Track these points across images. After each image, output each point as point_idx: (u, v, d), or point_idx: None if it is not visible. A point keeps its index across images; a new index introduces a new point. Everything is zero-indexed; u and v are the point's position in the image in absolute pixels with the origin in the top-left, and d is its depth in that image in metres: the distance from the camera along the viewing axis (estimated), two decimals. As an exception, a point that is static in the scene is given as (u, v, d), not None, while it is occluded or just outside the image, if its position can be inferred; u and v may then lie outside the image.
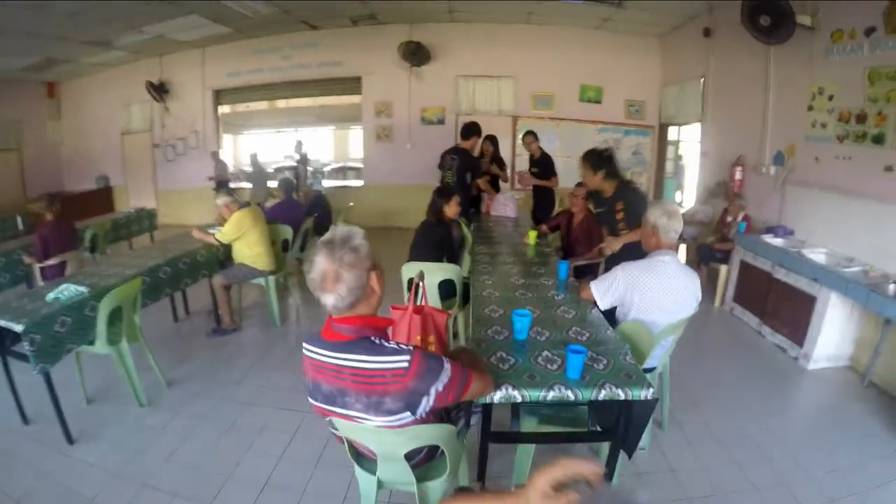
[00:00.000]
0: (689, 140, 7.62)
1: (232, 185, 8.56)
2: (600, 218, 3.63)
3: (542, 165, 5.61)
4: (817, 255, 4.08)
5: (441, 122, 8.27)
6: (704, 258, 5.46)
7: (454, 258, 3.71)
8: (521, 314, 2.22)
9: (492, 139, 6.03)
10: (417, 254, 3.54)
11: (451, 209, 3.63)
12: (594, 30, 7.69)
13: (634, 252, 2.90)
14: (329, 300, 1.40)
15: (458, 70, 8.03)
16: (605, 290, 2.61)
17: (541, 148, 5.67)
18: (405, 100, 8.30)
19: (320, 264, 1.38)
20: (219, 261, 4.50)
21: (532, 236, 4.10)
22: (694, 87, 6.73)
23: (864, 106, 3.85)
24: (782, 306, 4.19)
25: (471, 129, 5.28)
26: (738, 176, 5.57)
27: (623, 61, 7.85)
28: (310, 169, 9.78)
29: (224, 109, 9.39)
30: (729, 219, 5.32)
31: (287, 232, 4.87)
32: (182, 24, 7.06)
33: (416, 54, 7.82)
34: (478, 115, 7.48)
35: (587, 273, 4.04)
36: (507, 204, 5.54)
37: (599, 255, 3.88)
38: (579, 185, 4.20)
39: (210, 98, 9.05)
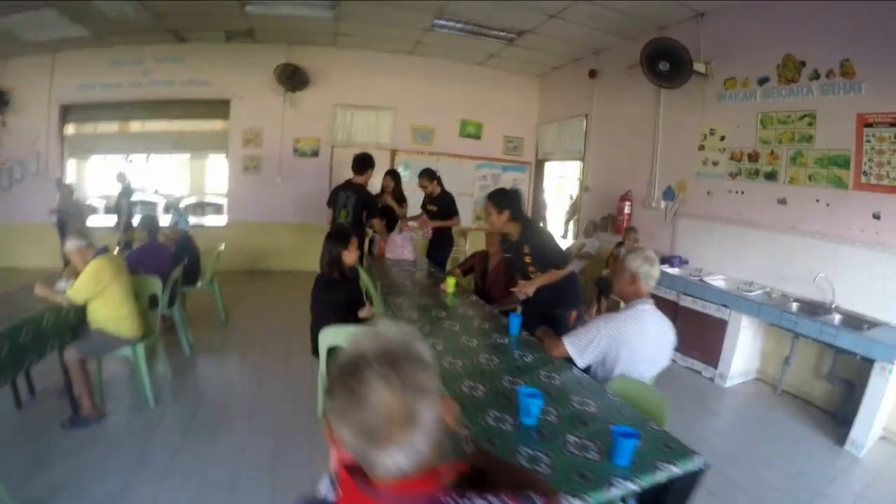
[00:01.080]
0: (565, 176, 7.94)
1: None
2: (510, 263, 3.27)
3: (441, 204, 5.05)
4: (718, 282, 4.33)
5: (315, 153, 7.38)
6: (604, 291, 5.49)
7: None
8: (529, 393, 1.80)
9: (393, 175, 5.42)
10: (324, 317, 2.86)
11: (351, 256, 2.95)
12: (478, 65, 7.72)
13: (556, 294, 2.98)
14: (394, 460, 0.76)
15: (336, 98, 7.32)
16: (583, 347, 2.30)
17: (441, 186, 5.11)
18: (277, 128, 7.26)
19: (375, 398, 0.75)
20: (70, 327, 3.13)
21: (451, 284, 3.62)
22: (576, 125, 7.05)
23: (756, 146, 4.21)
24: (691, 332, 4.28)
25: (365, 162, 4.65)
26: (627, 210, 5.81)
27: (503, 98, 8.00)
28: (136, 201, 7.92)
29: (70, 129, 7.22)
30: (622, 251, 5.42)
31: (155, 285, 3.55)
32: (34, 19, 5.34)
33: (293, 78, 6.92)
34: (355, 148, 6.86)
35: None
36: (403, 245, 4.90)
37: (513, 299, 3.28)
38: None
39: (57, 114, 6.92)
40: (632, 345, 2.26)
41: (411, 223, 5.12)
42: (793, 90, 3.93)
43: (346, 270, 2.94)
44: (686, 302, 4.35)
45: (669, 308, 4.44)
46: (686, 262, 4.99)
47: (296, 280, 6.70)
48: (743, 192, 4.41)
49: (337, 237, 2.97)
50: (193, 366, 3.95)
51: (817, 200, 3.79)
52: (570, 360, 2.33)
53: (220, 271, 5.12)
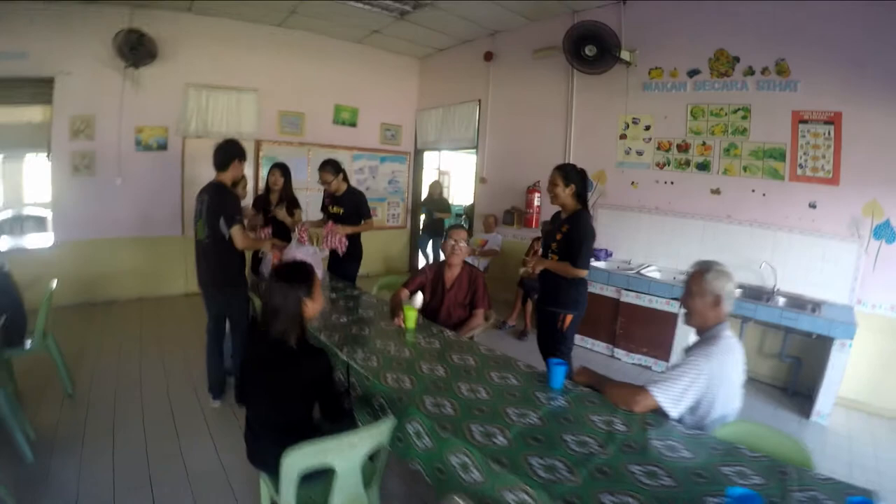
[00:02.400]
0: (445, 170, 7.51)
1: None
2: (547, 231, 3.12)
3: (350, 205, 3.95)
4: (653, 274, 4.38)
5: (163, 147, 5.66)
6: (530, 292, 5.22)
7: (337, 401, 1.98)
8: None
9: (283, 168, 4.14)
10: (281, 418, 1.85)
11: (315, 306, 1.94)
12: (356, 43, 6.75)
13: (555, 289, 2.87)
14: None
15: (189, 76, 5.67)
16: (680, 394, 1.88)
17: (347, 182, 4.04)
18: (115, 115, 5.34)
19: None
20: None
21: (411, 317, 2.74)
22: (467, 111, 6.62)
23: (687, 137, 4.29)
24: (637, 328, 4.29)
25: (228, 152, 3.11)
26: (536, 202, 5.64)
27: (381, 81, 7.16)
28: None
29: None
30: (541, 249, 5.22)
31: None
32: None
33: (137, 49, 5.11)
34: (211, 140, 5.51)
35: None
36: (305, 257, 3.83)
37: (476, 323, 3.03)
38: (457, 227, 3.19)
39: None
40: (730, 380, 1.94)
41: (312, 230, 3.99)
42: (726, 84, 4.04)
43: (307, 332, 1.92)
44: (629, 297, 4.29)
45: (609, 305, 4.37)
46: (611, 255, 4.98)
47: (152, 309, 5.17)
48: (673, 183, 4.49)
49: (290, 276, 1.87)
50: (45, 477, 2.47)
51: (753, 191, 3.97)
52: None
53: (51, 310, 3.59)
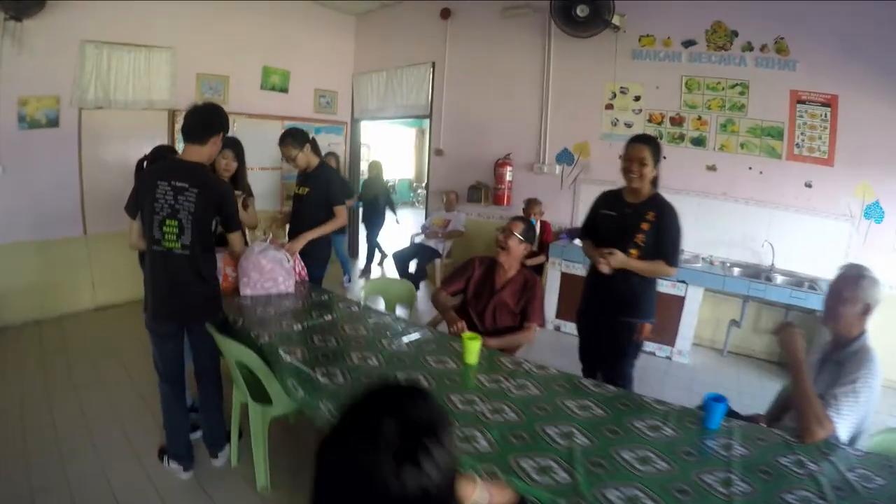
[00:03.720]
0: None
1: None
2: (610, 223, 2.48)
3: (320, 185, 3.15)
4: None
5: (54, 122, 4.17)
6: None
7: None
8: None
9: (235, 147, 3.07)
10: None
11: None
12: (289, -8, 5.56)
13: (638, 295, 2.40)
14: None
15: (86, 31, 4.18)
16: (860, 419, 1.69)
17: (318, 154, 3.26)
18: None
19: None
20: None
21: (473, 351, 2.13)
22: (418, 75, 5.87)
23: (681, 110, 4.13)
24: None
25: (214, 118, 2.23)
26: (508, 176, 5.22)
27: (315, 40, 6.05)
28: None
29: None
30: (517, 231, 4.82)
31: None
32: None
33: None
34: (114, 112, 4.37)
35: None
36: (275, 270, 2.77)
37: (524, 337, 2.57)
38: (518, 218, 2.70)
39: None
40: (877, 391, 1.78)
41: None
42: (724, 58, 3.89)
43: None
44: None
45: None
46: None
47: (56, 335, 3.95)
48: (665, 157, 4.30)
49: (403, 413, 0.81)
50: None
51: (750, 168, 3.96)
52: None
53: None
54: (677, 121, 4.21)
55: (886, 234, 3.60)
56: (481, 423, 1.71)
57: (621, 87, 4.43)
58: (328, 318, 2.53)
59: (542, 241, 4.55)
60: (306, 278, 3.06)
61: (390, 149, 11.80)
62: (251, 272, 2.67)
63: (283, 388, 2.05)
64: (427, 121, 6.07)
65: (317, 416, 1.84)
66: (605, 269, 2.32)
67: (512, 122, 5.15)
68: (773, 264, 3.89)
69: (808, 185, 3.77)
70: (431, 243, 5.29)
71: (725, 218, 4.12)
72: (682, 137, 4.22)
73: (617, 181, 4.23)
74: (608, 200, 2.52)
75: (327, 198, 3.11)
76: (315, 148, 3.21)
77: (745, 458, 1.57)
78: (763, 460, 1.56)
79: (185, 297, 2.17)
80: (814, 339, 2.13)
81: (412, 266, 5.26)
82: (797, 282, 3.72)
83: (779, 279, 3.81)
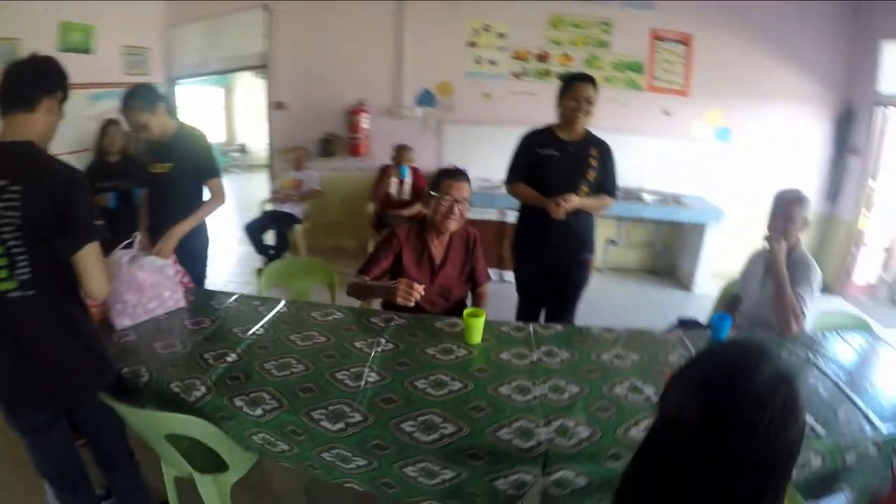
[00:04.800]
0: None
1: None
2: (553, 164, 2.36)
3: (186, 156, 2.26)
4: None
5: None
6: (380, 228, 4.43)
7: None
8: None
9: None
10: None
11: None
12: None
13: (588, 231, 2.44)
14: None
15: None
16: (815, 307, 2.02)
17: (176, 118, 2.40)
18: None
19: None
20: None
21: (477, 328, 1.76)
22: (248, 22, 4.70)
23: (546, 47, 4.13)
24: None
25: (43, 74, 1.32)
26: (365, 124, 4.66)
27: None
28: None
29: None
30: (394, 178, 4.39)
31: None
32: None
33: None
34: None
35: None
36: (160, 284, 1.85)
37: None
38: (454, 174, 2.08)
39: None
40: None
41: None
42: (589, -3, 3.95)
43: None
44: (512, 218, 4.13)
45: (493, 228, 4.14)
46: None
47: None
48: (533, 93, 4.31)
49: None
50: None
51: (613, 100, 4.17)
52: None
53: None
54: (543, 57, 4.19)
55: (732, 153, 4.28)
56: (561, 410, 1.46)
57: (485, 25, 4.20)
58: (258, 331, 1.78)
59: (416, 189, 4.22)
60: (191, 285, 2.11)
61: (196, 113, 9.60)
62: (126, 294, 1.69)
63: (240, 443, 1.41)
64: (234, 78, 4.98)
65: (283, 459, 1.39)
66: (560, 214, 2.23)
67: (365, 66, 4.53)
68: (640, 186, 4.25)
69: (667, 114, 4.20)
70: (286, 208, 4.43)
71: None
72: (548, 73, 4.22)
73: (484, 121, 4.15)
74: (541, 140, 2.38)
75: (198, 171, 2.26)
76: (170, 109, 2.35)
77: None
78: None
79: (49, 366, 1.29)
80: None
81: (269, 237, 4.37)
82: (664, 199, 4.14)
83: (648, 198, 4.18)
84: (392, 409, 1.38)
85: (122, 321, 1.70)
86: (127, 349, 1.61)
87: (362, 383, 1.49)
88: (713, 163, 4.34)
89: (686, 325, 2.20)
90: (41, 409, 1.31)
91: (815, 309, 1.98)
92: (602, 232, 4.42)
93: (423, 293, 1.80)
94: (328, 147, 4.70)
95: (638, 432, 1.35)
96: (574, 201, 2.22)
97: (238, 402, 1.37)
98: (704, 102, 4.23)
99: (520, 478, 1.27)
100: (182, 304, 1.90)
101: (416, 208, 4.22)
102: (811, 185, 4.45)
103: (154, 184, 2.29)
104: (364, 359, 1.62)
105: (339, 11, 4.44)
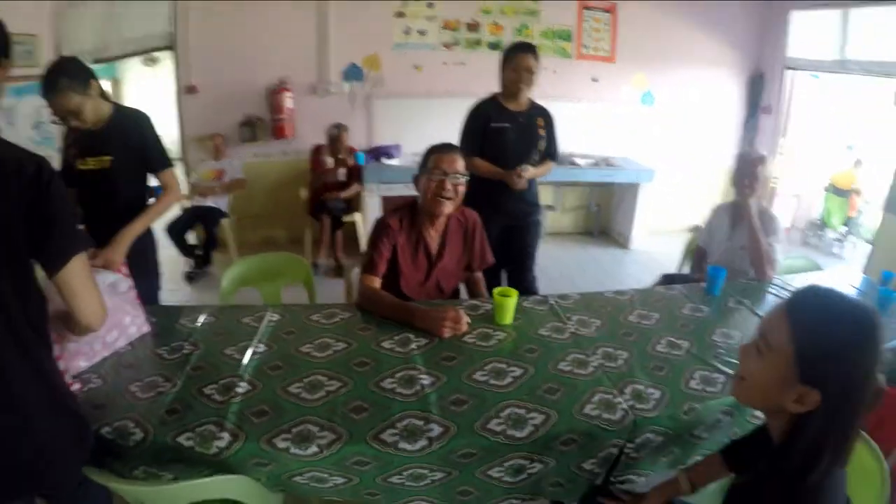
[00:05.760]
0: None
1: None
2: (518, 130, 2.41)
3: (127, 144, 1.80)
4: None
5: None
6: (317, 214, 4.05)
7: None
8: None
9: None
10: None
11: None
12: None
13: (538, 194, 2.57)
14: None
15: None
16: (783, 254, 2.22)
17: (110, 99, 1.83)
18: None
19: None
20: None
21: (510, 307, 1.61)
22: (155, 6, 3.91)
23: (476, 16, 4.00)
24: None
25: None
26: (289, 104, 4.20)
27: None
28: None
29: None
30: (329, 158, 4.02)
31: None
32: None
33: None
34: None
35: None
36: (119, 309, 1.42)
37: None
38: (446, 148, 1.82)
39: None
40: None
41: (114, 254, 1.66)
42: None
43: None
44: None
45: None
46: (399, 148, 4.40)
47: None
48: (465, 63, 4.16)
49: None
50: None
51: (544, 68, 4.13)
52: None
53: None
54: (473, 26, 4.03)
55: (656, 115, 4.51)
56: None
57: (414, -7, 3.91)
58: (259, 349, 1.46)
59: (352, 170, 3.97)
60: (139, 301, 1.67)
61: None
62: None
63: (273, 486, 1.15)
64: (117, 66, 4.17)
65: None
66: (522, 185, 2.32)
67: (286, 41, 4.05)
68: (573, 151, 4.32)
69: (595, 80, 4.26)
70: (209, 202, 3.88)
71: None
72: (479, 43, 4.09)
73: (416, 93, 3.94)
74: (492, 113, 2.38)
75: (145, 163, 1.85)
76: (103, 91, 1.78)
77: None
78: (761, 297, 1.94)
79: (15, 434, 0.90)
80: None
81: (192, 237, 3.82)
82: (596, 163, 4.26)
83: (582, 163, 4.27)
84: (467, 410, 1.21)
85: (77, 364, 1.28)
86: (96, 400, 1.20)
87: (418, 388, 1.27)
88: (640, 125, 4.54)
89: (672, 279, 2.24)
90: (7, 498, 0.90)
91: (783, 255, 2.14)
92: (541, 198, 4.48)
93: (469, 322, 1.57)
94: (249, 131, 4.16)
95: (696, 384, 1.35)
96: (530, 171, 2.33)
97: (281, 444, 1.08)
98: (630, 68, 4.39)
99: (608, 452, 1.21)
100: (146, 328, 1.50)
101: (355, 189, 3.94)
102: (728, 142, 4.90)
103: (88, 182, 1.78)
104: (404, 360, 1.41)
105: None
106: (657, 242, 4.49)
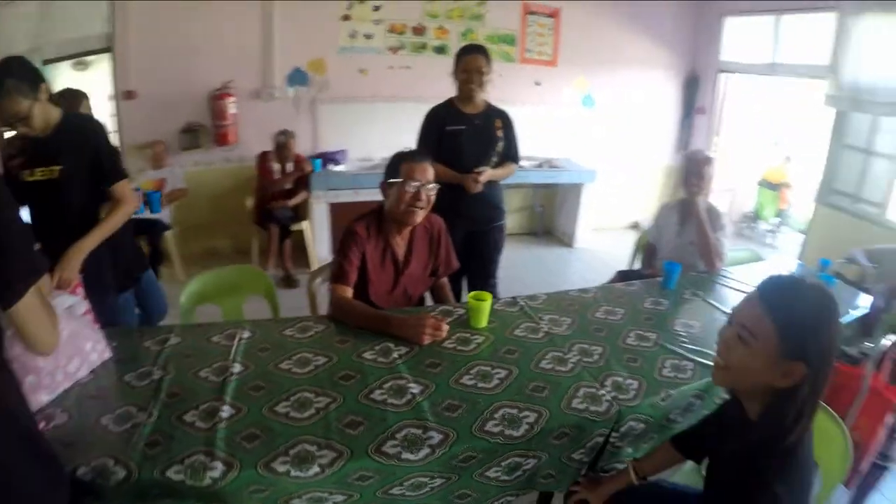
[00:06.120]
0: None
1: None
2: (475, 133, 2.38)
3: (78, 152, 1.65)
4: None
5: None
6: (264, 223, 3.92)
7: None
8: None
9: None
10: None
11: None
12: None
13: (501, 196, 2.54)
14: None
15: None
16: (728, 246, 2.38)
17: (57, 103, 1.69)
18: None
19: None
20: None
21: (484, 311, 1.64)
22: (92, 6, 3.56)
23: (422, 20, 4.02)
24: None
25: None
26: (232, 109, 4.01)
27: None
28: None
29: None
30: (276, 165, 3.87)
31: None
32: None
33: None
34: None
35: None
36: (80, 334, 1.32)
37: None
38: (414, 157, 1.79)
39: None
40: None
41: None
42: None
43: None
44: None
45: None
46: (345, 154, 4.34)
47: None
48: (410, 67, 4.17)
49: None
50: None
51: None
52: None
53: None
54: (419, 30, 4.04)
55: (598, 117, 4.73)
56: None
57: (360, -3, 3.86)
58: (235, 369, 1.39)
59: (299, 177, 3.85)
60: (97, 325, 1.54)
61: None
62: (36, 359, 1.12)
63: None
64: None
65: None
66: (478, 189, 2.30)
67: (229, 45, 3.86)
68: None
69: (538, 83, 4.40)
70: (151, 214, 3.62)
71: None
72: (424, 46, 4.11)
73: (361, 97, 3.91)
74: (447, 117, 2.35)
75: (98, 173, 1.68)
76: (52, 95, 1.65)
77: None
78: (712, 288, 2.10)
79: None
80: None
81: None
82: (540, 164, 4.41)
83: (527, 165, 4.40)
84: (462, 415, 1.22)
85: (39, 398, 1.16)
86: (65, 438, 1.10)
87: (409, 397, 1.27)
88: (581, 127, 4.74)
89: (627, 276, 2.36)
90: None
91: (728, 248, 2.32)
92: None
93: (448, 328, 1.58)
94: (190, 138, 3.93)
95: (668, 372, 1.45)
96: (487, 173, 2.30)
97: (280, 468, 1.04)
98: (571, 72, 4.56)
99: (595, 441, 1.27)
100: (107, 354, 1.38)
101: (302, 197, 3.84)
102: (665, 141, 5.21)
103: (37, 195, 1.61)
104: (389, 370, 1.40)
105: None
106: (600, 240, 4.72)
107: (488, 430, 1.18)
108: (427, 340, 1.50)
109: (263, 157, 3.77)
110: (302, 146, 4.10)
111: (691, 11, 4.79)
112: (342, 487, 1.08)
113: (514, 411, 1.24)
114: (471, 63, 2.24)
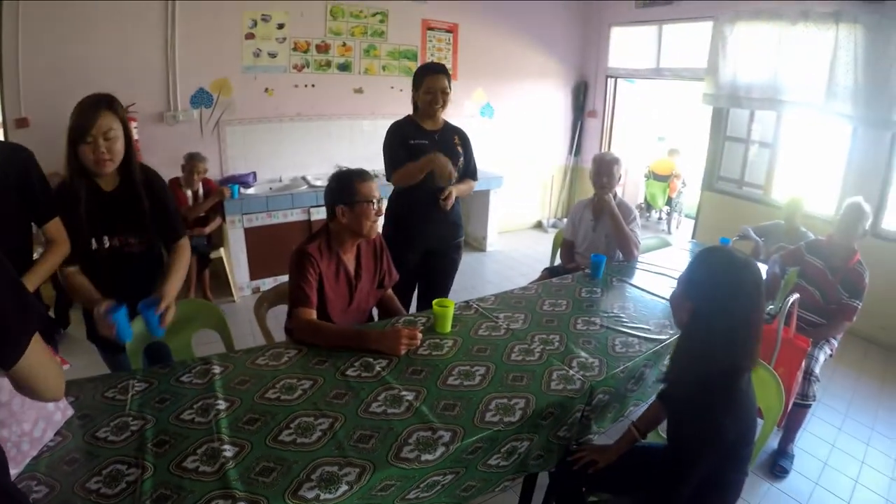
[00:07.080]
0: None
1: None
2: (435, 149, 2.23)
3: (9, 176, 1.45)
4: (320, 183, 4.01)
5: None
6: (206, 252, 3.67)
7: None
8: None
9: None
10: None
11: None
12: None
13: (461, 214, 2.48)
14: None
15: None
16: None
17: None
18: None
19: None
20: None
21: (448, 316, 1.75)
22: None
23: (326, 37, 4.03)
24: None
25: None
26: (134, 135, 3.62)
27: None
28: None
29: None
30: (189, 191, 3.56)
31: None
32: None
33: None
34: None
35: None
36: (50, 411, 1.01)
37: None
38: (352, 174, 1.83)
39: None
40: None
41: None
42: (365, -11, 3.94)
43: None
44: (320, 214, 3.94)
45: (301, 228, 3.83)
46: (254, 176, 4.15)
47: None
48: (314, 85, 4.12)
49: None
50: None
51: (392, 87, 4.36)
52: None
53: None
54: (323, 48, 4.01)
55: (497, 124, 5.02)
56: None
57: (263, 15, 3.73)
58: (220, 406, 1.37)
59: (212, 203, 3.61)
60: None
61: None
62: None
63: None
64: None
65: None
66: (449, 205, 2.25)
67: (129, 67, 3.47)
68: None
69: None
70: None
71: (377, 134, 4.23)
72: (329, 64, 4.09)
73: (268, 117, 3.82)
74: (410, 132, 2.30)
75: (28, 210, 1.50)
76: None
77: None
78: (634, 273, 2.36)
79: None
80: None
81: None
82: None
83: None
84: (461, 412, 1.32)
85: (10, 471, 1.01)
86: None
87: (407, 404, 1.34)
88: (482, 136, 5.01)
89: (554, 272, 2.58)
90: None
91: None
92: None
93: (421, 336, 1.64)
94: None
95: (619, 348, 1.67)
96: (454, 192, 2.25)
97: (309, 494, 1.03)
98: (470, 84, 4.80)
99: (574, 417, 1.43)
100: (70, 411, 1.25)
101: (217, 223, 3.63)
102: (559, 144, 5.64)
103: None
104: (378, 382, 1.44)
105: (93, 7, 3.25)
106: (508, 242, 5.05)
107: (489, 420, 1.28)
108: (404, 350, 1.56)
109: (173, 185, 3.47)
110: (210, 170, 3.85)
111: (580, 22, 5.27)
112: (366, 501, 1.11)
113: (505, 400, 1.36)
114: (435, 84, 2.18)
